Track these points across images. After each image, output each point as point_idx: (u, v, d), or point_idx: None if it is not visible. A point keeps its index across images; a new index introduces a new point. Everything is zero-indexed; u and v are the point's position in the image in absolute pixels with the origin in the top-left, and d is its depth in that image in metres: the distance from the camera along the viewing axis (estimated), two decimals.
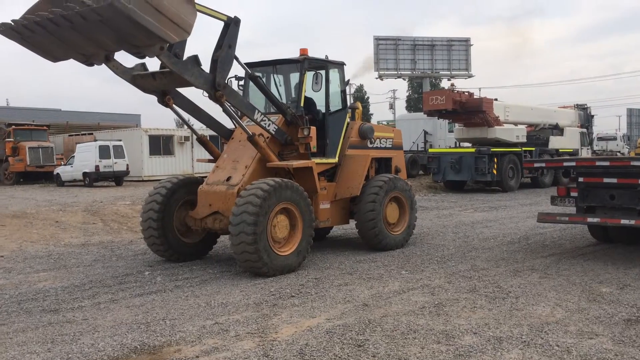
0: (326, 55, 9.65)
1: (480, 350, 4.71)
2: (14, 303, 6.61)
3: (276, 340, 5.06)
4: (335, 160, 9.54)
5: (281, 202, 7.80)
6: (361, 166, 9.72)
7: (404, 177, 10.44)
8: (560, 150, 24.36)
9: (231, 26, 7.68)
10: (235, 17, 7.67)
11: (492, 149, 20.97)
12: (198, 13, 6.64)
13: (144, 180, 26.31)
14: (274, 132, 8.64)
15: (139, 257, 9.47)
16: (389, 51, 42.15)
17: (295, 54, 9.30)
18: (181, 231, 8.92)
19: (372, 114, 64.50)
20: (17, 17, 6.40)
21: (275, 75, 9.87)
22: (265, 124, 8.47)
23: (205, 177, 9.00)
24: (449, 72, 43.04)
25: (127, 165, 24.64)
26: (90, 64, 7.27)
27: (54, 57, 7.08)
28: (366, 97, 68.13)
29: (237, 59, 8.26)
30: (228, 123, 9.31)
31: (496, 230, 11.68)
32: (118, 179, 24.57)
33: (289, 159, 8.85)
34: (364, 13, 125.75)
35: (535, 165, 9.93)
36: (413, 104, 62.61)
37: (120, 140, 25.26)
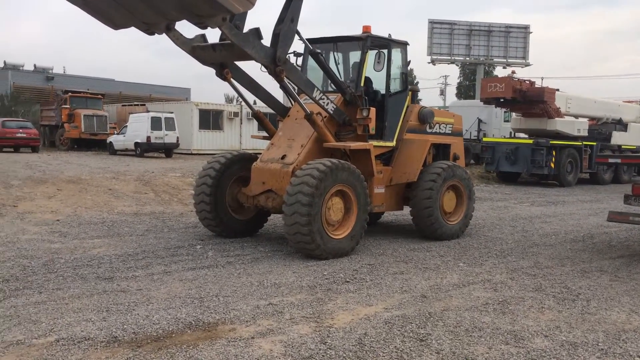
0: (389, 34, 9.26)
1: (555, 356, 4.37)
2: (70, 268, 6.66)
3: (333, 327, 4.85)
4: (393, 143, 9.21)
5: (337, 184, 7.55)
6: (419, 151, 9.34)
7: (463, 165, 10.01)
8: (623, 147, 23.12)
9: None
10: None
11: (551, 141, 20.08)
12: None
13: (192, 154, 26.62)
14: (332, 112, 8.36)
15: (189, 230, 9.45)
16: (444, 36, 40.98)
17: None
18: (233, 207, 8.82)
19: (420, 100, 63.14)
20: None
21: (335, 53, 9.56)
22: (323, 102, 8.20)
23: (258, 154, 8.84)
24: (504, 60, 41.53)
25: (178, 137, 24.90)
26: (152, 33, 7.13)
27: (115, 24, 6.97)
28: (415, 82, 66.82)
29: (298, 34, 8.00)
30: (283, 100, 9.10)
31: (556, 226, 11.11)
32: (168, 150, 24.90)
33: (345, 140, 8.57)
34: None
35: (610, 160, 9.26)
36: (464, 91, 60.98)
37: (171, 113, 25.50)
